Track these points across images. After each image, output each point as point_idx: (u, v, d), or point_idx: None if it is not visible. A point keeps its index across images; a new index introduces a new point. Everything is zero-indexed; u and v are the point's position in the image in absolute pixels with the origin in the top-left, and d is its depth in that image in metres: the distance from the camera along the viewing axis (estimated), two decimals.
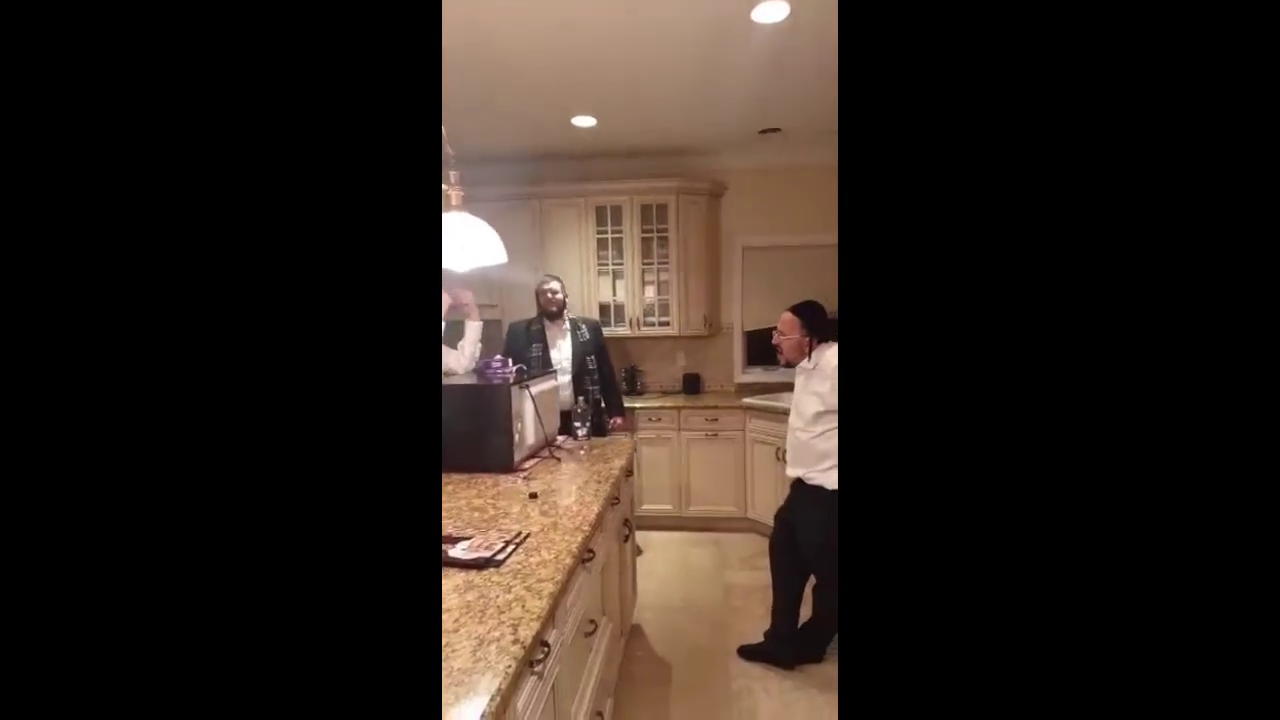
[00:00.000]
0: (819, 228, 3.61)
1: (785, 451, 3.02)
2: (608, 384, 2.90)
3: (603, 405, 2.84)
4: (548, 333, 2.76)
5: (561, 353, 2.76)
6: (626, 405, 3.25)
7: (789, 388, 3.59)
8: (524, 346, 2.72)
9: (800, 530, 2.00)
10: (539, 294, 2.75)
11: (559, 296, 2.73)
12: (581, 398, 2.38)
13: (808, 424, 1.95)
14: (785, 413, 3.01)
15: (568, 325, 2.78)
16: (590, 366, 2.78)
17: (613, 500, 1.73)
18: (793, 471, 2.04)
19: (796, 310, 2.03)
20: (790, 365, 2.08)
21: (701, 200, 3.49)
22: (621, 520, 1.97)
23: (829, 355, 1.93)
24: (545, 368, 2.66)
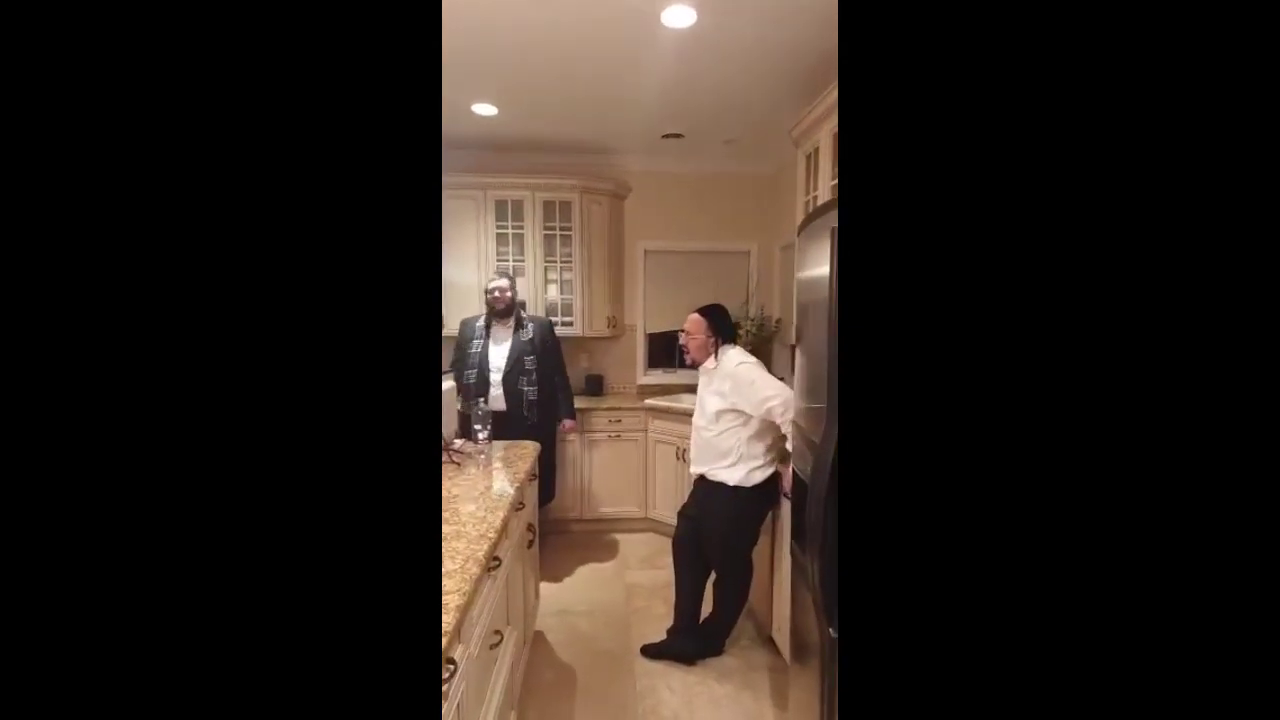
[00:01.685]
0: (717, 235, 3.75)
1: (687, 451, 3.12)
2: (558, 385, 2.84)
3: (536, 405, 2.74)
4: (493, 331, 2.71)
5: (501, 352, 2.69)
6: None
7: (689, 389, 3.72)
8: (466, 343, 2.72)
9: (703, 525, 2.04)
10: (485, 292, 2.74)
11: (506, 295, 2.68)
12: (478, 401, 2.27)
13: (710, 422, 2.00)
14: (686, 414, 3.10)
15: (512, 324, 2.71)
16: (528, 366, 2.69)
17: (517, 506, 1.66)
18: (696, 469, 2.09)
19: (703, 312, 2.08)
20: (695, 365, 2.13)
21: (605, 200, 3.48)
22: (526, 526, 1.90)
23: (731, 355, 1.99)
24: (482, 366, 2.64)
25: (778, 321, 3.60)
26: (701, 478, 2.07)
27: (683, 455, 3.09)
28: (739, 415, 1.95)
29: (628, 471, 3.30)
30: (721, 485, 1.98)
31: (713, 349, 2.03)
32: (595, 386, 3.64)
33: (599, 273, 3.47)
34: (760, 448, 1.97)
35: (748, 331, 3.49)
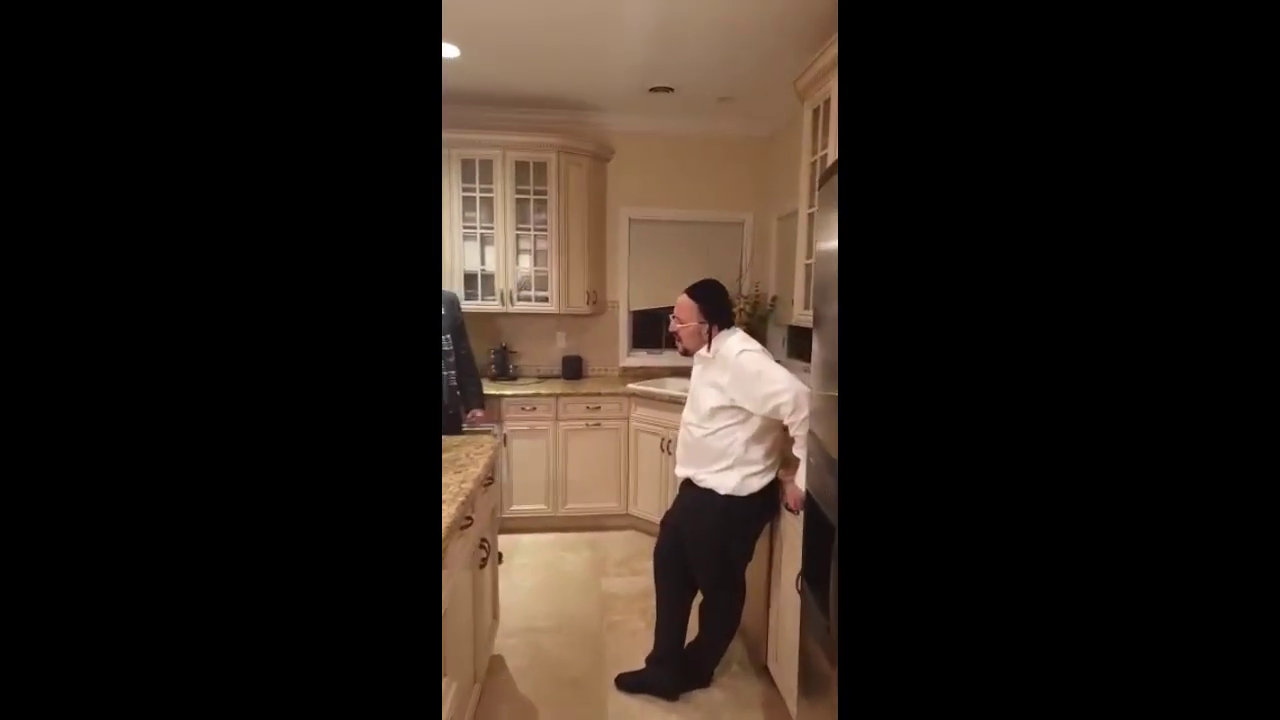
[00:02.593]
0: (709, 203, 3.40)
1: (674, 444, 2.82)
2: (465, 369, 2.46)
3: (459, 395, 2.40)
4: None
5: None
6: (495, 393, 2.83)
7: (678, 373, 3.41)
8: None
9: (689, 539, 1.75)
10: None
11: None
12: None
13: (702, 419, 1.70)
14: (674, 401, 2.80)
15: None
16: (445, 348, 2.33)
17: (462, 523, 1.34)
18: (682, 471, 1.78)
19: (693, 294, 1.75)
20: (689, 354, 1.81)
21: (585, 162, 3.10)
22: (478, 542, 1.59)
23: (730, 343, 1.67)
24: None
25: (774, 300, 3.28)
26: (688, 482, 1.77)
27: (668, 447, 2.80)
28: (738, 413, 1.64)
29: (607, 464, 3.00)
30: (711, 493, 1.68)
31: (708, 336, 1.72)
32: (572, 369, 3.31)
33: (577, 243, 3.11)
34: (760, 451, 1.67)
35: (741, 310, 3.18)
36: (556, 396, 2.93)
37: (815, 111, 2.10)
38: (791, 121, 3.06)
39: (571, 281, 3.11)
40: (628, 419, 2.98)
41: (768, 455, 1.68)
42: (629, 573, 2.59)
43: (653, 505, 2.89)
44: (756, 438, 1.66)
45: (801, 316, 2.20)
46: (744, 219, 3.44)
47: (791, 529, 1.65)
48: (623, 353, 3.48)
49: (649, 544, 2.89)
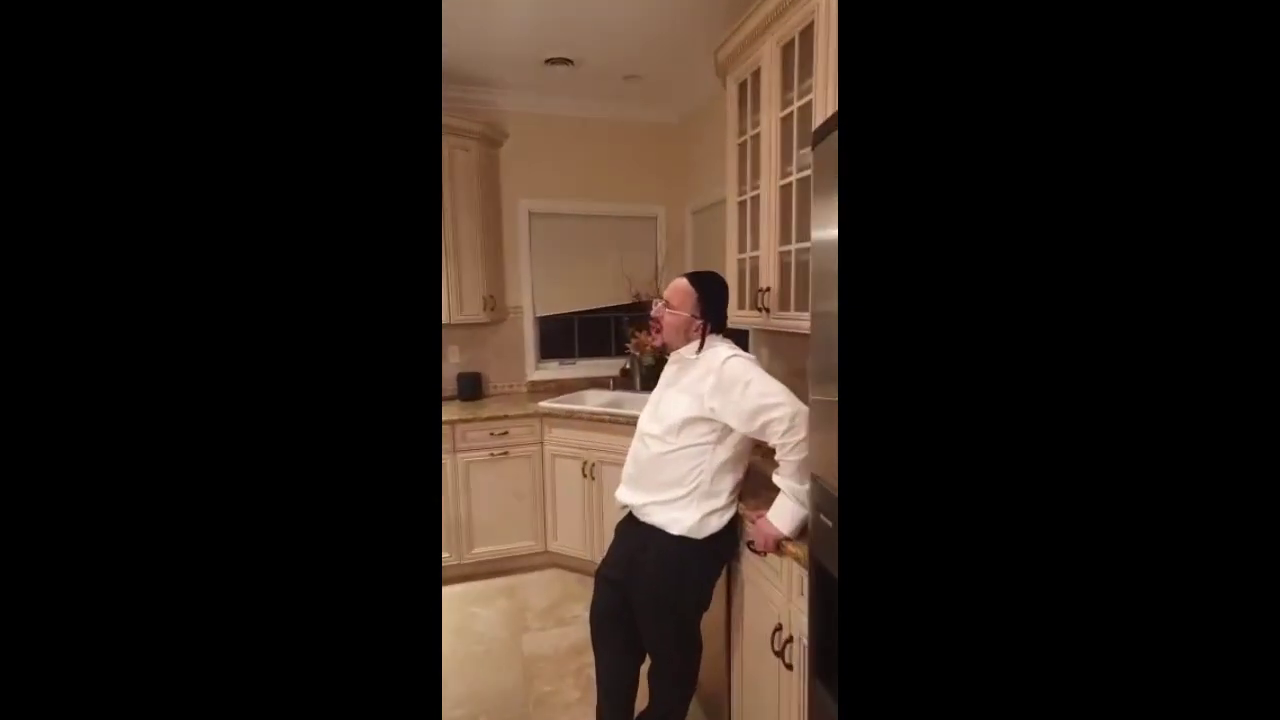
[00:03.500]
0: (618, 195, 3.09)
1: (596, 467, 2.48)
2: None
3: None
4: None
5: None
6: None
7: (596, 384, 3.06)
8: None
9: (634, 596, 1.42)
10: None
11: None
12: None
13: (668, 431, 1.36)
14: (597, 419, 2.44)
15: None
16: None
17: None
18: (626, 496, 1.44)
19: (695, 280, 1.42)
20: (664, 350, 1.47)
21: (474, 146, 2.67)
22: None
23: (718, 348, 1.36)
24: None
25: None
26: (630, 519, 1.44)
27: (591, 471, 2.45)
28: (714, 429, 1.33)
29: (519, 497, 2.60)
30: (658, 533, 1.36)
31: (698, 334, 1.40)
32: (470, 388, 2.86)
33: (469, 240, 2.67)
34: (728, 483, 1.38)
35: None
36: (453, 424, 2.47)
37: (741, 86, 1.86)
38: (705, 105, 2.83)
39: (464, 286, 2.67)
40: (541, 443, 2.59)
41: (734, 490, 1.40)
42: (554, 622, 2.21)
43: (576, 539, 2.53)
44: (729, 466, 1.36)
45: (737, 317, 1.95)
46: (656, 213, 3.17)
47: (753, 569, 1.38)
48: (530, 365, 3.08)
49: (575, 584, 2.53)
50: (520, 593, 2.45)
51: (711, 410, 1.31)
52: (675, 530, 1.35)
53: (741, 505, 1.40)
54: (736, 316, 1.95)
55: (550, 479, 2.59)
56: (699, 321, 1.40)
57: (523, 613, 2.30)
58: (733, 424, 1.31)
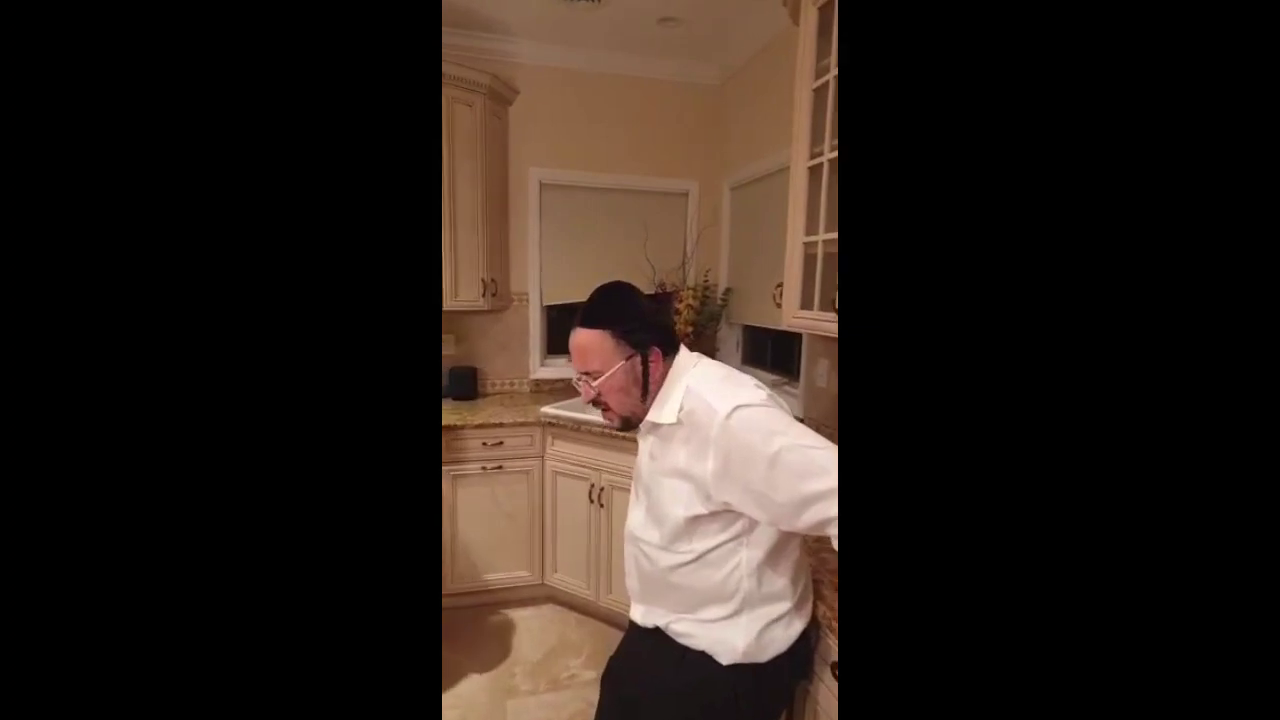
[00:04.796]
0: (645, 167, 2.64)
1: (601, 491, 2.05)
2: None
3: None
4: None
5: None
6: None
7: None
8: None
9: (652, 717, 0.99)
10: None
11: None
12: None
13: (670, 539, 0.92)
14: (605, 432, 2.02)
15: None
16: None
17: None
18: (646, 615, 1.00)
19: (590, 317, 0.95)
20: (628, 428, 0.99)
21: (478, 102, 2.23)
22: None
23: (700, 389, 0.90)
24: None
25: (726, 293, 2.60)
26: (653, 631, 1.00)
27: (599, 496, 2.03)
28: (734, 522, 0.89)
29: (513, 520, 2.19)
30: (705, 660, 0.93)
31: (652, 381, 0.94)
32: (463, 386, 2.45)
33: (468, 214, 2.24)
34: (784, 574, 0.93)
35: (687, 306, 2.46)
36: (442, 430, 2.06)
37: (821, 10, 1.40)
38: (755, 59, 2.36)
39: (461, 267, 2.25)
40: (542, 457, 2.17)
41: (796, 578, 0.95)
42: (547, 685, 1.80)
43: (578, 571, 2.12)
44: (773, 557, 0.91)
45: (797, 319, 1.51)
46: (688, 188, 2.71)
47: (828, 695, 0.95)
48: (535, 361, 2.66)
49: (574, 627, 2.06)
50: (511, 636, 2.04)
51: (725, 505, 0.87)
52: (728, 658, 0.91)
53: (822, 604, 0.97)
54: (798, 319, 1.50)
55: (551, 500, 2.18)
56: (638, 356, 0.93)
57: (511, 667, 1.89)
58: (759, 516, 0.86)
